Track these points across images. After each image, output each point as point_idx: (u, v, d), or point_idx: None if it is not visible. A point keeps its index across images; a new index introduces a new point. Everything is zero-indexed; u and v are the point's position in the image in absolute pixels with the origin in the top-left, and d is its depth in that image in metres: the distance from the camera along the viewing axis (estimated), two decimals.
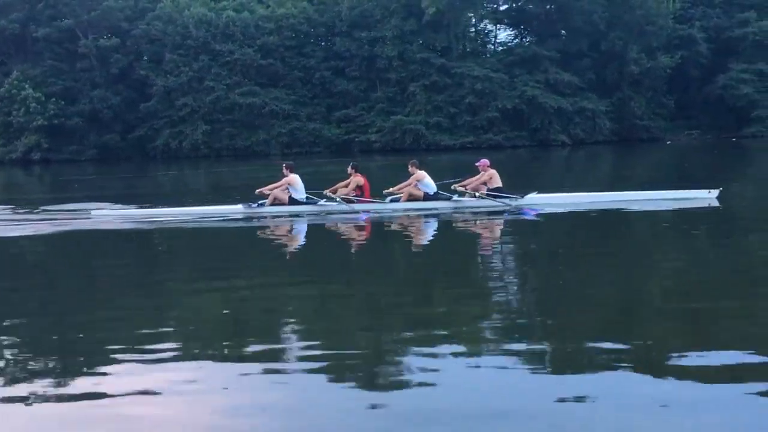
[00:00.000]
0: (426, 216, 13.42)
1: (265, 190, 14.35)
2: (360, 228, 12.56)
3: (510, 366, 4.71)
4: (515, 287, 7.37)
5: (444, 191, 14.29)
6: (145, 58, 53.73)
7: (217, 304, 6.89)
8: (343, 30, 53.80)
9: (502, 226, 12.35)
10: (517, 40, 58.53)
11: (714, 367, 4.62)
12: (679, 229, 11.34)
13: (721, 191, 13.46)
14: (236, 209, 14.30)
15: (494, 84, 51.76)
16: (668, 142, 49.23)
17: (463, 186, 14.18)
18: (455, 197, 14.05)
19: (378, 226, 12.89)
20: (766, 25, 55.37)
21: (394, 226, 12.68)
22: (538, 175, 27.06)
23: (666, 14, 54.08)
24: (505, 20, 58.36)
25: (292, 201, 14.26)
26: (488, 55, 54.64)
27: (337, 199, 14.11)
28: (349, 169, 14.62)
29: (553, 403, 4.10)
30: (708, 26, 57.39)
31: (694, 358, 4.76)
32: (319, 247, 11.03)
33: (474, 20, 56.42)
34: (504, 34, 59.63)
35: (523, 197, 13.87)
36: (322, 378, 4.67)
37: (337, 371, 4.76)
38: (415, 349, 5.14)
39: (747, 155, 36.53)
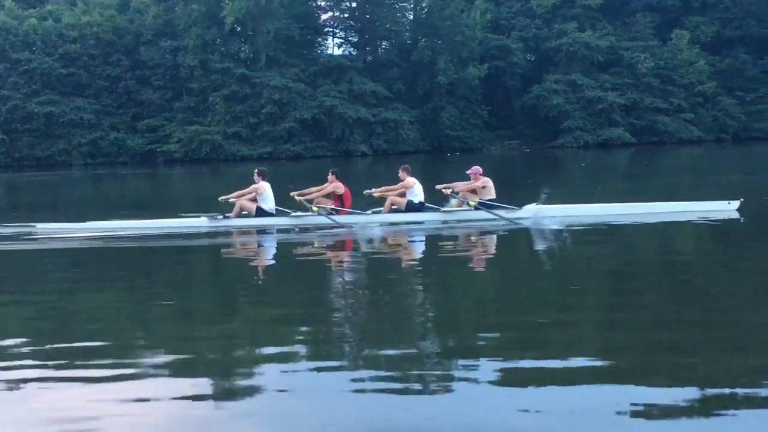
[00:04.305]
0: (410, 229, 12.29)
1: (231, 197, 12.78)
2: (328, 245, 11.54)
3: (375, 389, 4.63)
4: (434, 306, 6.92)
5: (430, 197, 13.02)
6: None
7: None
8: (148, 39, 53.22)
9: (490, 241, 11.22)
10: (336, 49, 58.30)
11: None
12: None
13: (741, 202, 12.35)
14: (199, 222, 12.85)
15: (293, 94, 51.30)
16: (450, 155, 48.55)
17: (450, 188, 12.80)
18: (448, 205, 12.70)
19: (349, 240, 11.66)
20: (581, 36, 55.38)
21: (372, 242, 11.31)
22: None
23: (474, 25, 53.81)
24: (326, 30, 58.10)
25: (260, 212, 12.74)
26: (293, 66, 53.89)
27: (314, 209, 12.51)
28: (330, 176, 12.91)
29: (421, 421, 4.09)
30: (527, 36, 57.39)
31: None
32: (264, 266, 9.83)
33: (291, 29, 55.70)
34: (329, 43, 59.40)
35: (520, 208, 12.39)
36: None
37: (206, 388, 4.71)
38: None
39: (548, 166, 36.25)
